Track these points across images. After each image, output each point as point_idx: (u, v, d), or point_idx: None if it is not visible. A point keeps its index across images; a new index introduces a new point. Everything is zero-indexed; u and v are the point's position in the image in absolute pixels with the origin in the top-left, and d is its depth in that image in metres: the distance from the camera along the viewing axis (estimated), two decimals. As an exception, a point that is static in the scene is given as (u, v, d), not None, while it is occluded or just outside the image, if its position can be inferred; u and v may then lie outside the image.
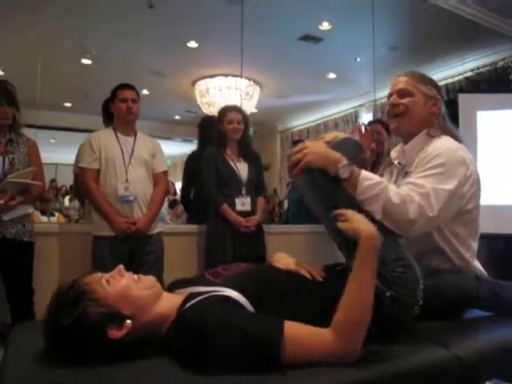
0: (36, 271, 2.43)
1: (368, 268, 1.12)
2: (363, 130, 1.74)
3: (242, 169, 2.97)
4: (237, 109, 3.07)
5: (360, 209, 1.31)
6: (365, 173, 1.35)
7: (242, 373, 0.95)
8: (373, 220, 1.26)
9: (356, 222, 1.19)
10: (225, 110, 3.01)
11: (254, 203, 2.96)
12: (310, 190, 1.38)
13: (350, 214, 1.22)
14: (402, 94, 1.62)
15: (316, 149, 1.35)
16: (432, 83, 1.66)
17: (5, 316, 2.40)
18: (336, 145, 1.52)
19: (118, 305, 1.05)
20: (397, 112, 1.63)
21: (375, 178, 1.34)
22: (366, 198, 1.31)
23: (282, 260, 1.41)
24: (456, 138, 1.58)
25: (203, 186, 2.95)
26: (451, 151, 1.46)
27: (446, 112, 1.68)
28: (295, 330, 0.99)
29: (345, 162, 1.33)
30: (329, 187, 1.33)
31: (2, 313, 2.41)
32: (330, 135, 1.68)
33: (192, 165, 3.17)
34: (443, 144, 1.50)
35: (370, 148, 1.72)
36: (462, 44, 4.74)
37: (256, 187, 3.03)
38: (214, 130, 3.00)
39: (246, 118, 3.02)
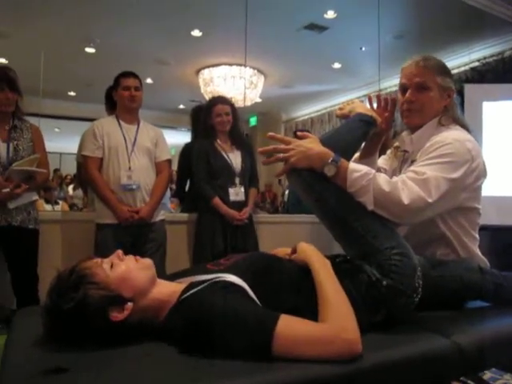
0: (40, 258, 2.44)
1: (330, 275, 1.17)
2: (375, 102, 1.71)
3: (235, 159, 2.97)
4: (224, 100, 3.03)
5: (351, 202, 1.30)
6: (353, 165, 1.33)
7: (237, 359, 0.96)
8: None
9: (302, 252, 1.27)
10: (212, 103, 2.99)
11: (247, 193, 2.97)
12: (300, 188, 1.38)
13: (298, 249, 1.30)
14: (419, 88, 1.55)
15: (301, 148, 1.32)
16: (447, 72, 1.60)
17: (11, 302, 2.42)
18: (335, 134, 1.52)
19: (119, 288, 1.06)
20: (413, 108, 1.57)
21: (364, 169, 1.32)
22: (355, 190, 1.29)
23: (282, 250, 1.43)
24: (466, 128, 1.56)
25: (194, 180, 2.96)
26: (459, 142, 1.43)
27: (459, 100, 1.64)
28: (291, 324, 0.99)
29: (330, 159, 1.30)
30: (318, 185, 1.32)
31: (7, 299, 2.43)
32: (348, 107, 1.67)
33: (187, 156, 3.15)
34: (451, 134, 1.48)
35: (384, 117, 1.66)
36: (468, 33, 4.68)
37: (249, 178, 3.03)
38: (202, 122, 2.99)
39: (234, 109, 3.00)
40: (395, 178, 1.37)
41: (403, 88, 1.60)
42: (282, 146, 1.35)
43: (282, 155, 1.34)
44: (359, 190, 1.29)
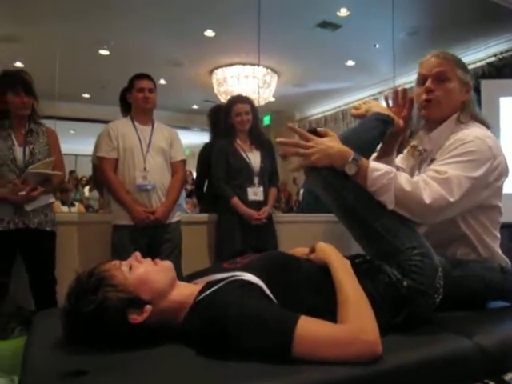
0: (57, 260, 2.46)
1: (350, 274, 1.16)
2: (390, 102, 1.68)
3: (254, 158, 2.96)
4: (244, 99, 3.02)
5: (371, 201, 1.29)
6: (373, 164, 1.31)
7: (254, 361, 0.95)
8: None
9: (321, 251, 1.26)
10: (232, 102, 2.99)
11: (267, 192, 2.97)
12: (319, 187, 1.37)
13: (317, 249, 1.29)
14: (439, 78, 1.51)
15: (322, 146, 1.31)
16: (466, 67, 1.58)
17: (29, 304, 2.44)
18: (352, 133, 1.50)
19: (138, 290, 1.06)
20: (432, 98, 1.52)
21: (384, 167, 1.30)
22: (376, 189, 1.28)
23: (300, 250, 1.43)
24: (486, 124, 1.53)
25: (213, 180, 2.97)
26: (480, 140, 1.40)
27: (476, 97, 1.61)
28: (310, 325, 0.98)
29: (351, 157, 1.29)
30: (338, 183, 1.31)
31: (26, 301, 2.45)
32: (364, 107, 1.65)
33: (205, 157, 3.17)
34: (472, 132, 1.44)
35: (401, 116, 1.64)
36: (484, 28, 4.60)
37: (269, 177, 3.03)
38: (222, 122, 2.99)
39: (254, 108, 3.00)
40: (416, 178, 1.35)
41: (422, 79, 1.56)
42: (303, 142, 1.34)
43: (302, 150, 1.33)
44: (380, 188, 1.28)
